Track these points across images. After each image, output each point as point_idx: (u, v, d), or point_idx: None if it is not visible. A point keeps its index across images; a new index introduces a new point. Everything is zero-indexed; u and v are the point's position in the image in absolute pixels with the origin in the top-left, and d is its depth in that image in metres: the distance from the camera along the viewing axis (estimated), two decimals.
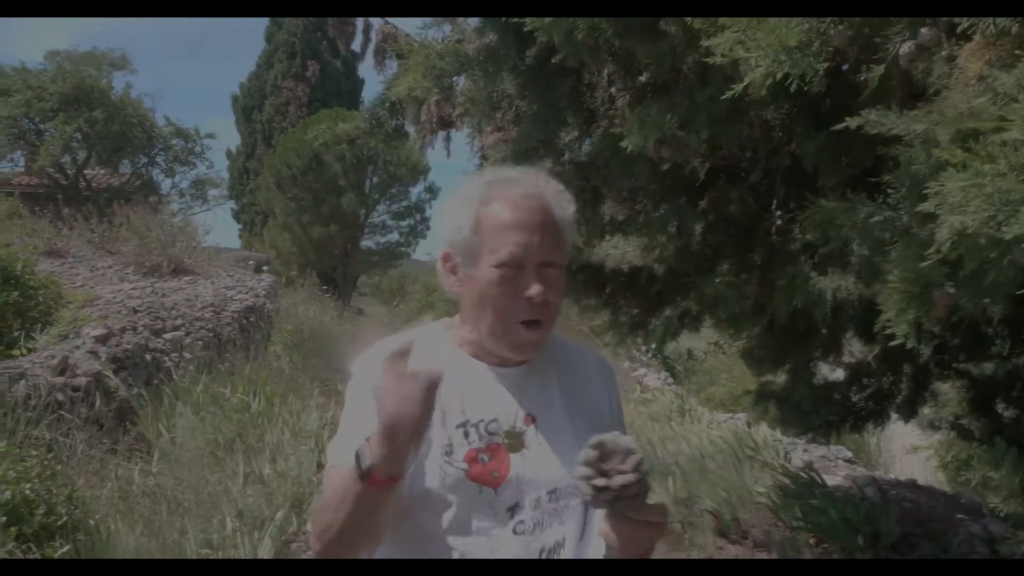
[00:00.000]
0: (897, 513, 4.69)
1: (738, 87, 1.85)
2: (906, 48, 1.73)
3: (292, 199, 21.10)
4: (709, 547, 4.55)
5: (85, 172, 19.23)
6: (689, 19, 2.00)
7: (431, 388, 1.07)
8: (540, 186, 1.30)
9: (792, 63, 1.74)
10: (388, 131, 3.67)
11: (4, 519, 3.09)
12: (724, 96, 1.92)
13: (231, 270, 10.22)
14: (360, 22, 3.45)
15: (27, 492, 3.28)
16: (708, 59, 1.91)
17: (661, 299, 3.93)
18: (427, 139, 3.35)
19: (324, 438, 5.29)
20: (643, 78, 2.76)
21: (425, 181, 23.56)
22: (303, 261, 19.82)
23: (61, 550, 3.23)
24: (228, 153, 26.59)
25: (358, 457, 1.11)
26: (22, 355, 4.88)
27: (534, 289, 1.23)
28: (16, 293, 5.49)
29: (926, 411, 5.17)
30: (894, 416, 5.11)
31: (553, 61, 2.66)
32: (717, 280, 3.27)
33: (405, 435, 1.08)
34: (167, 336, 6.36)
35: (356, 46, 3.52)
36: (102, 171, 19.76)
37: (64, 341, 5.29)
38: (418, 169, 22.64)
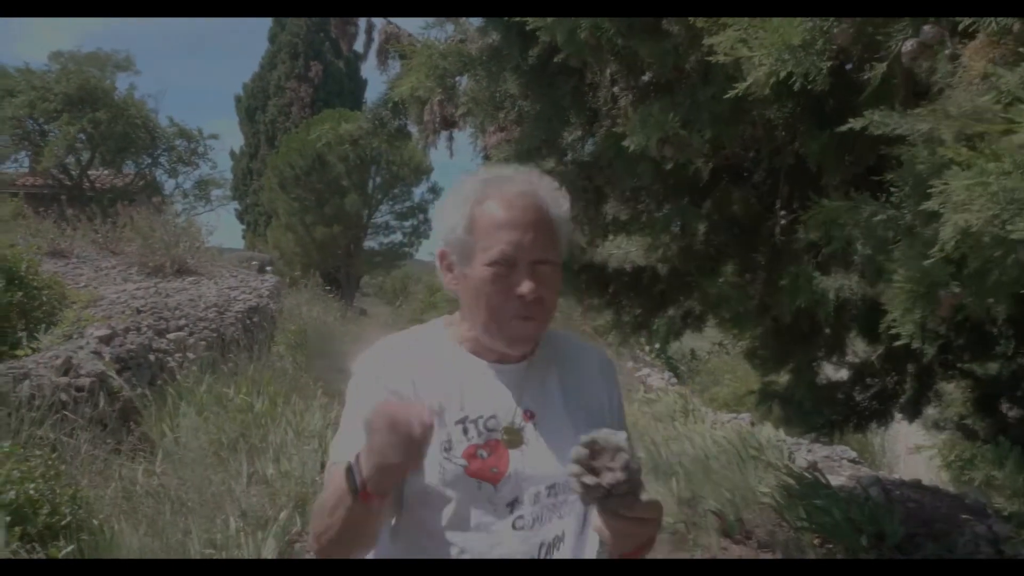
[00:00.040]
0: (901, 513, 4.67)
1: (741, 86, 1.84)
2: (908, 46, 1.72)
3: (295, 199, 21.13)
4: (713, 547, 4.55)
5: (89, 173, 19.27)
6: (692, 18, 2.00)
7: (421, 438, 1.07)
8: (533, 184, 1.30)
9: (795, 62, 1.74)
10: (391, 131, 3.67)
11: (8, 519, 3.09)
12: (727, 95, 1.92)
13: (235, 270, 10.23)
14: (363, 22, 3.46)
15: (31, 492, 3.28)
16: (711, 58, 1.91)
17: (664, 299, 3.92)
18: (430, 139, 3.36)
19: (327, 438, 5.28)
20: (646, 77, 2.76)
21: (428, 181, 23.61)
22: (306, 261, 19.87)
23: (65, 550, 3.23)
24: (231, 154, 26.64)
25: (350, 472, 1.12)
26: (26, 355, 4.88)
27: (525, 287, 1.24)
28: (20, 293, 5.50)
29: (930, 411, 5.16)
30: (898, 416, 5.10)
31: (556, 61, 2.66)
32: (720, 280, 3.27)
33: (395, 475, 1.11)
34: (171, 336, 6.36)
35: (359, 46, 3.53)
36: (106, 172, 19.79)
37: (68, 341, 5.30)
38: (421, 169, 22.65)
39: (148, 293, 7.35)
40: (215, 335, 6.99)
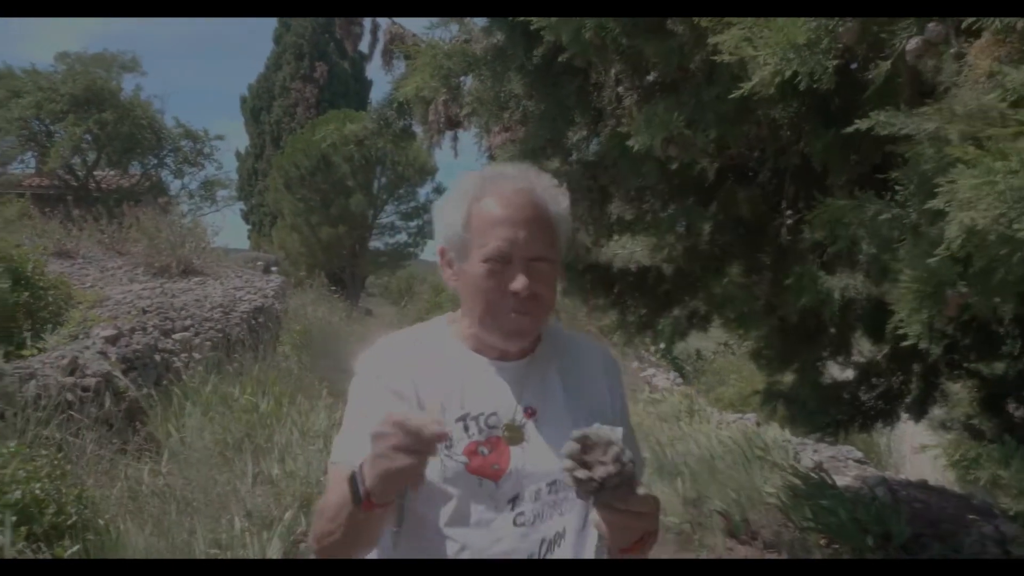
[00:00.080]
0: (908, 514, 4.66)
1: (746, 86, 1.84)
2: (913, 44, 1.72)
3: (300, 200, 21.15)
4: (719, 548, 4.54)
5: (95, 173, 19.31)
6: (696, 17, 1.99)
7: (430, 450, 1.06)
8: (531, 181, 1.31)
9: (801, 61, 1.73)
10: (396, 131, 3.67)
11: (14, 518, 3.10)
12: (732, 95, 1.91)
13: (240, 271, 10.26)
14: (367, 23, 3.46)
15: (37, 492, 3.29)
16: (715, 57, 1.90)
17: (669, 299, 3.92)
18: (435, 139, 3.35)
19: (332, 438, 5.28)
20: (650, 77, 2.75)
21: (433, 182, 23.59)
22: (312, 262, 19.90)
23: (71, 550, 3.24)
24: (237, 154, 26.70)
25: (353, 481, 1.12)
26: (32, 355, 4.90)
27: (519, 283, 1.24)
28: (26, 294, 5.52)
29: (937, 411, 5.14)
30: (904, 416, 5.08)
31: (560, 60, 2.65)
32: (726, 280, 3.26)
33: (400, 484, 1.10)
34: (176, 336, 6.38)
35: (364, 47, 3.53)
36: (112, 172, 19.85)
37: (74, 341, 5.31)
38: (426, 169, 22.65)
39: (154, 293, 7.37)
40: (220, 335, 7.01)
